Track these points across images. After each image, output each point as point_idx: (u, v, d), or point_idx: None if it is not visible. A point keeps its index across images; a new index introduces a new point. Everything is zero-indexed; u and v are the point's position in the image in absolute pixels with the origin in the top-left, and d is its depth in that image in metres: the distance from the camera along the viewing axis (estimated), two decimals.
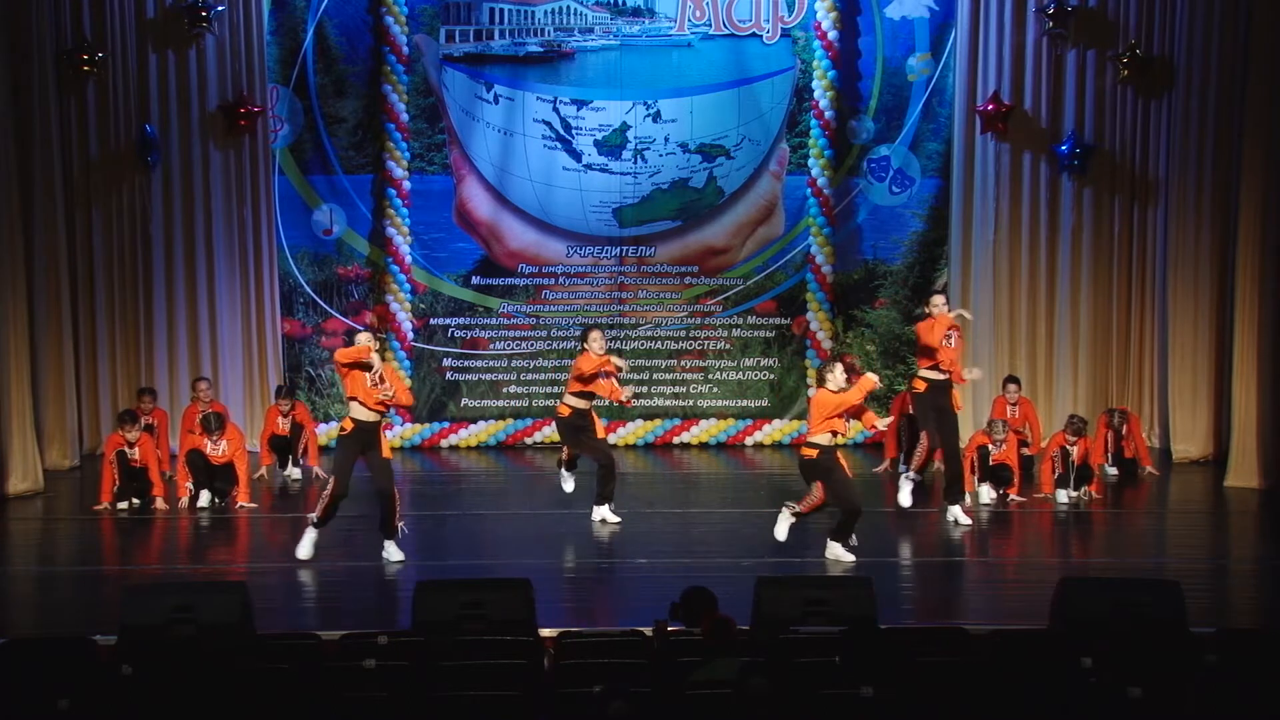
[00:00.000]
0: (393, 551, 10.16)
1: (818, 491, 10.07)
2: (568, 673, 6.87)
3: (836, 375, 10.01)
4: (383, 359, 14.22)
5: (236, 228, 14.27)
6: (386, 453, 10.15)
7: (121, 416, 12.29)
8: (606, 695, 5.83)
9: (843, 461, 10.06)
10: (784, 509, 10.32)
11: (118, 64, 13.93)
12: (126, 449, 11.90)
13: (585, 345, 11.20)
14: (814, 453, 9.98)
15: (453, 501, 12.43)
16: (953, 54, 14.34)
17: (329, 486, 10.02)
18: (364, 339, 9.96)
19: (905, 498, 11.50)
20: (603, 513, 11.31)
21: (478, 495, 11.54)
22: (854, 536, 10.14)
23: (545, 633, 7.79)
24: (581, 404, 11.31)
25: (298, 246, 14.50)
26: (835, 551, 10.11)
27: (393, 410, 14.43)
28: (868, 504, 11.53)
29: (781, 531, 10.31)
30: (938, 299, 11.32)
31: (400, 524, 10.19)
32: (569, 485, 11.70)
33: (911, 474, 11.57)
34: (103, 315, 14.15)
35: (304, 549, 10.10)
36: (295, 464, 13.18)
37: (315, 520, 10.09)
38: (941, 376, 11.18)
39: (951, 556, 10.77)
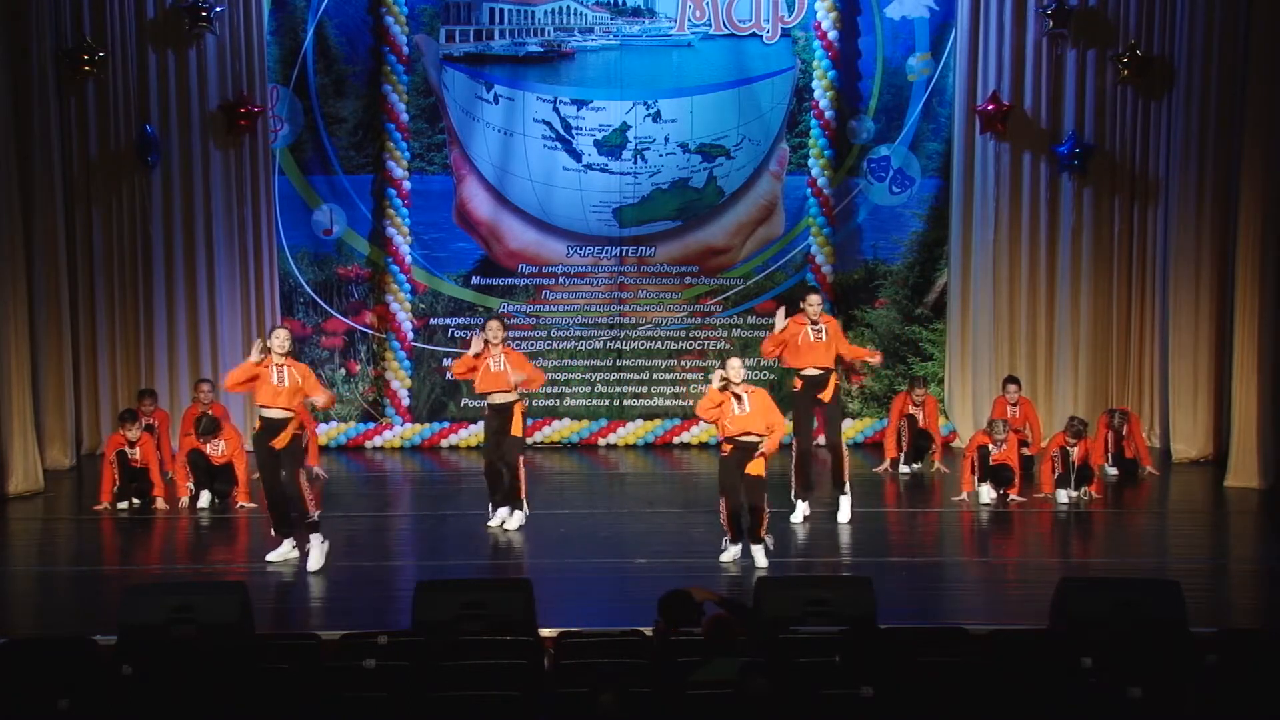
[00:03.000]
0: (285, 550, 10.15)
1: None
2: (568, 673, 6.87)
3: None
4: (380, 361, 14.38)
5: (236, 228, 14.25)
6: (280, 443, 10.01)
7: (122, 416, 12.30)
8: (597, 688, 5.84)
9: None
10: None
11: (118, 64, 13.91)
12: (127, 449, 11.91)
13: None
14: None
15: (453, 501, 12.42)
16: (953, 54, 14.33)
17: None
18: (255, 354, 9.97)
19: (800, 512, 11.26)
20: (502, 516, 11.08)
21: (478, 495, 11.51)
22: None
23: (545, 633, 7.78)
24: (496, 401, 11.01)
25: (298, 246, 14.50)
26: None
27: (392, 410, 14.59)
28: (866, 504, 11.58)
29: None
30: (814, 298, 11.23)
31: (312, 514, 10.03)
32: (494, 520, 11.10)
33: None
34: (103, 315, 14.13)
35: (313, 561, 10.01)
36: None
37: (274, 532, 10.21)
38: (816, 372, 11.13)
39: (952, 556, 10.79)
